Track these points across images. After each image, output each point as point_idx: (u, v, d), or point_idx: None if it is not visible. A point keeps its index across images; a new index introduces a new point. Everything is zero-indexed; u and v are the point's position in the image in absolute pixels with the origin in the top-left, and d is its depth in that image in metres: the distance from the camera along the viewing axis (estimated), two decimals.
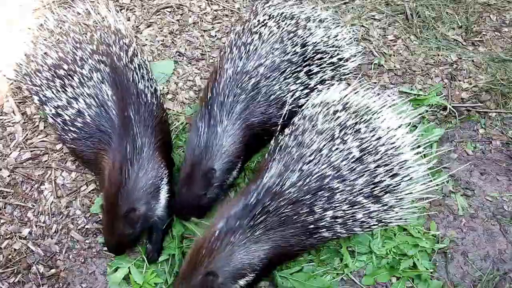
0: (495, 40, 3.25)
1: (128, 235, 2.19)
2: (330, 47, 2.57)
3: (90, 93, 2.28)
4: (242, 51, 2.42)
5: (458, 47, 3.21)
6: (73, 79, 2.33)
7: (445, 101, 2.92)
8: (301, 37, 2.49)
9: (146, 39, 3.12)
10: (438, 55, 3.16)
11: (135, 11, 3.24)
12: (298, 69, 2.44)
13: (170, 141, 2.65)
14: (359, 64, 2.81)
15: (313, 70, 2.48)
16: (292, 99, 2.41)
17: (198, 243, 2.00)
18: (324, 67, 2.52)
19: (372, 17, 3.33)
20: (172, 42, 3.13)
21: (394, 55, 3.15)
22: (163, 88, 2.92)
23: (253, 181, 2.10)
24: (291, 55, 2.43)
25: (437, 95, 2.93)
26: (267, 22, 2.53)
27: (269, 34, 2.46)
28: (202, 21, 3.23)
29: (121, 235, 2.17)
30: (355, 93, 2.29)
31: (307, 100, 2.40)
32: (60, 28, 2.65)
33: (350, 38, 2.77)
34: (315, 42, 2.51)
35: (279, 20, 2.55)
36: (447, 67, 3.11)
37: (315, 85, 2.49)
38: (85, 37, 2.50)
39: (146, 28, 3.18)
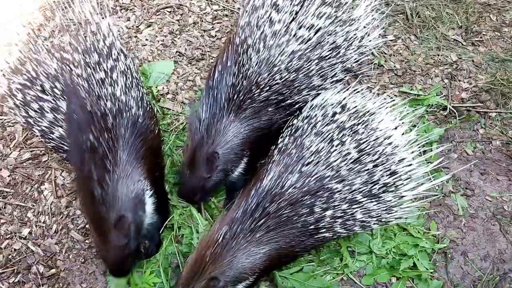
0: (495, 40, 3.25)
1: (124, 248, 2.08)
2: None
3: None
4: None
5: (458, 47, 3.21)
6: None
7: (445, 101, 2.92)
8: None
9: (146, 39, 3.11)
10: (438, 55, 3.15)
11: (135, 11, 3.24)
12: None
13: (159, 153, 2.52)
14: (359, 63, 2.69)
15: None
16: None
17: (201, 249, 2.01)
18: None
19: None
20: (172, 42, 3.13)
21: (394, 55, 3.15)
22: (163, 88, 2.92)
23: (253, 184, 2.11)
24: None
25: (437, 95, 2.93)
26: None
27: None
28: (202, 21, 3.23)
29: (117, 248, 2.06)
30: (354, 94, 2.29)
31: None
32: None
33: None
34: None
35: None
36: (447, 67, 3.10)
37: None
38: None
39: (146, 28, 3.18)
